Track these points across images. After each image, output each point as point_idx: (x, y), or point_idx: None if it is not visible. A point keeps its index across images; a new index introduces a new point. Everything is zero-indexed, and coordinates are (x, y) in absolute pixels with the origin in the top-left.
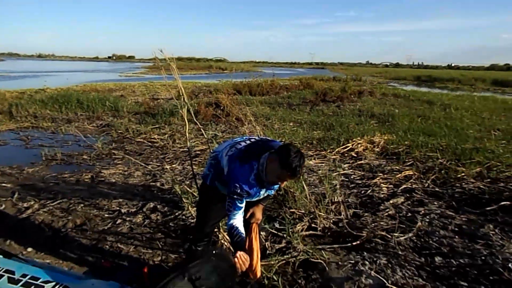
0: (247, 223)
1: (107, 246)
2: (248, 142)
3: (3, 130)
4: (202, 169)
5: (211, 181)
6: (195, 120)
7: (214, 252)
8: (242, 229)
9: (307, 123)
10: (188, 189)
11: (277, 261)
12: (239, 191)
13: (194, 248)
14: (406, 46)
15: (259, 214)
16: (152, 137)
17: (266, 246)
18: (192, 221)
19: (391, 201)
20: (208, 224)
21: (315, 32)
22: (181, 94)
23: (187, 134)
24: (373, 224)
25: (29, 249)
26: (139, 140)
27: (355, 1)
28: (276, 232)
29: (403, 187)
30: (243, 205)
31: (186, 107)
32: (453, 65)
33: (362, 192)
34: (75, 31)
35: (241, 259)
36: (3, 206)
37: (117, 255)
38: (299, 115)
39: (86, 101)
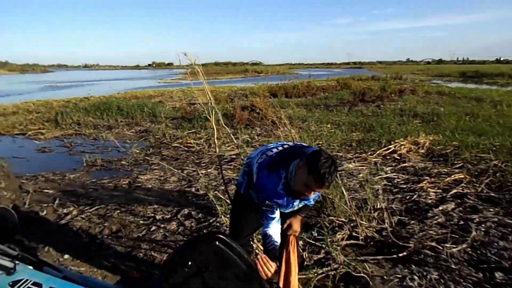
0: (284, 234)
1: (141, 254)
2: (280, 148)
3: (49, 137)
4: (237, 174)
5: (245, 189)
6: (223, 124)
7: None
8: (276, 237)
9: (346, 124)
10: (222, 196)
11: (315, 274)
12: (266, 202)
13: None
14: (449, 41)
15: (296, 226)
16: (188, 141)
17: (304, 256)
18: (226, 229)
19: (440, 208)
20: (241, 235)
21: (350, 31)
22: (209, 98)
23: (215, 141)
24: (420, 233)
25: (66, 256)
26: (176, 145)
27: None
28: (313, 242)
29: (453, 191)
30: (276, 215)
31: (214, 112)
32: (501, 59)
33: (407, 197)
34: (117, 42)
35: (262, 261)
36: (45, 212)
37: (150, 264)
38: (336, 116)
39: (126, 107)
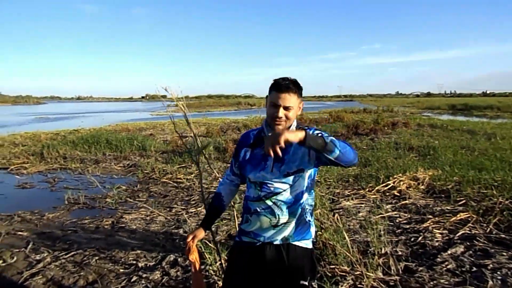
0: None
1: None
2: None
3: (33, 172)
4: (228, 214)
5: (239, 232)
6: (210, 167)
7: None
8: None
9: None
10: (208, 243)
11: None
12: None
13: None
14: (436, 75)
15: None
16: (178, 177)
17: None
18: (217, 279)
19: (449, 251)
20: None
21: (340, 65)
22: (195, 139)
23: (202, 184)
24: (431, 283)
25: None
26: (165, 180)
27: (379, 34)
28: None
29: (460, 233)
30: (232, 176)
31: (199, 149)
32: (487, 92)
33: (412, 239)
34: (111, 74)
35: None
36: (15, 258)
37: None
38: None
39: (114, 141)
